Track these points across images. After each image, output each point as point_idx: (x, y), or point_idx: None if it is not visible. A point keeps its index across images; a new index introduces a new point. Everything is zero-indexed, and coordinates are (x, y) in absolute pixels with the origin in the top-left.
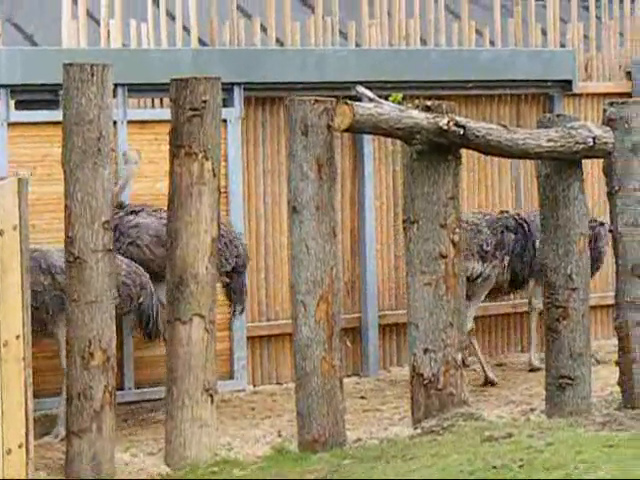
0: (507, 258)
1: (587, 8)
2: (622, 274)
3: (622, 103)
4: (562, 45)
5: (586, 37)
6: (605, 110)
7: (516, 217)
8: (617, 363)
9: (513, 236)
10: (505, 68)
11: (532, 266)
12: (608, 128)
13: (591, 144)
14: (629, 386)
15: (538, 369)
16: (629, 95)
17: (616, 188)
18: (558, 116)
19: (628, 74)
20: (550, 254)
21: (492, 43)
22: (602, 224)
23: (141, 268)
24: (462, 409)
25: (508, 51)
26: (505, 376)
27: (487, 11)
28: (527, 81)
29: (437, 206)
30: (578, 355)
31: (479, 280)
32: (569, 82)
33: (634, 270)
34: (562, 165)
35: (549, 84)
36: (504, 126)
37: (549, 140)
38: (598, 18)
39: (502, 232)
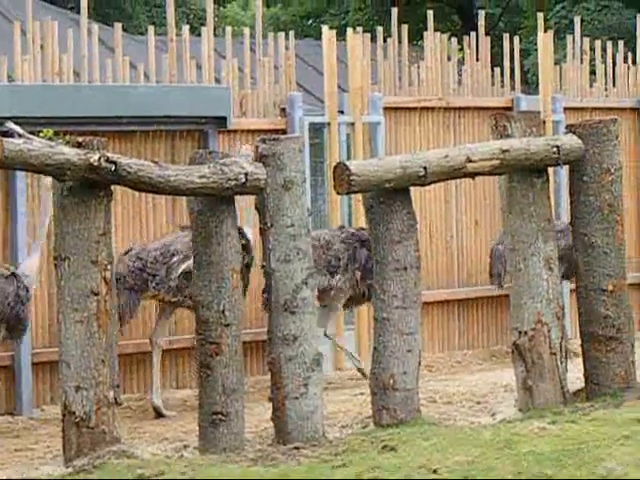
0: (358, 272)
1: (242, 43)
2: (274, 310)
3: (274, 139)
4: (217, 80)
5: (241, 71)
6: (257, 146)
7: None
8: (271, 399)
9: (366, 251)
10: (159, 104)
11: None
12: (260, 164)
13: (243, 180)
14: (282, 422)
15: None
16: (284, 131)
17: (268, 224)
18: (210, 152)
19: (283, 110)
20: (203, 290)
21: (147, 78)
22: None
23: None
24: (115, 447)
25: (162, 87)
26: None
27: (142, 46)
28: (182, 117)
29: (88, 242)
30: (232, 391)
31: (331, 292)
32: (224, 118)
33: (286, 306)
34: (214, 201)
35: (204, 120)
36: (156, 162)
37: (201, 176)
38: (253, 51)
39: (355, 247)
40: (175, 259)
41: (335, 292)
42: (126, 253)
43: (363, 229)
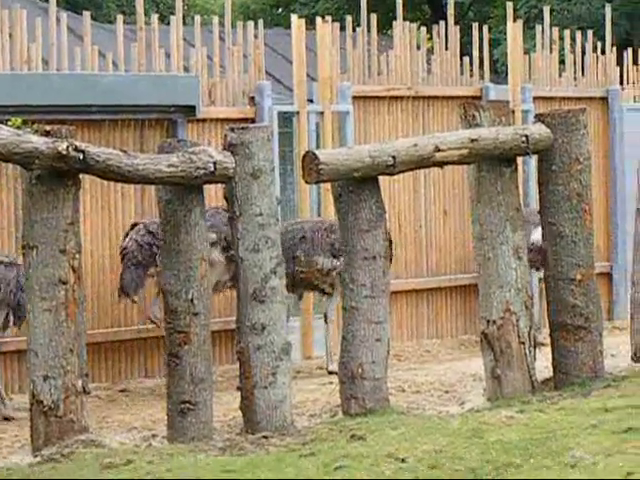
0: None
1: (211, 31)
2: (243, 298)
3: (242, 128)
4: (186, 69)
5: (210, 59)
6: (226, 135)
7: None
8: (239, 388)
9: None
10: (128, 93)
11: None
12: (229, 153)
13: (212, 169)
14: (250, 411)
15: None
16: (253, 120)
17: (237, 213)
18: (179, 141)
19: (252, 99)
20: (172, 279)
21: (116, 67)
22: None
23: None
24: (83, 436)
25: (131, 76)
26: (128, 402)
27: (112, 34)
28: (150, 106)
29: (57, 231)
30: (200, 380)
31: (333, 274)
32: (193, 107)
33: (255, 295)
34: (183, 190)
35: (172, 109)
36: (124, 151)
37: (170, 165)
38: (222, 40)
39: None
40: None
41: (336, 274)
42: (132, 228)
43: None
